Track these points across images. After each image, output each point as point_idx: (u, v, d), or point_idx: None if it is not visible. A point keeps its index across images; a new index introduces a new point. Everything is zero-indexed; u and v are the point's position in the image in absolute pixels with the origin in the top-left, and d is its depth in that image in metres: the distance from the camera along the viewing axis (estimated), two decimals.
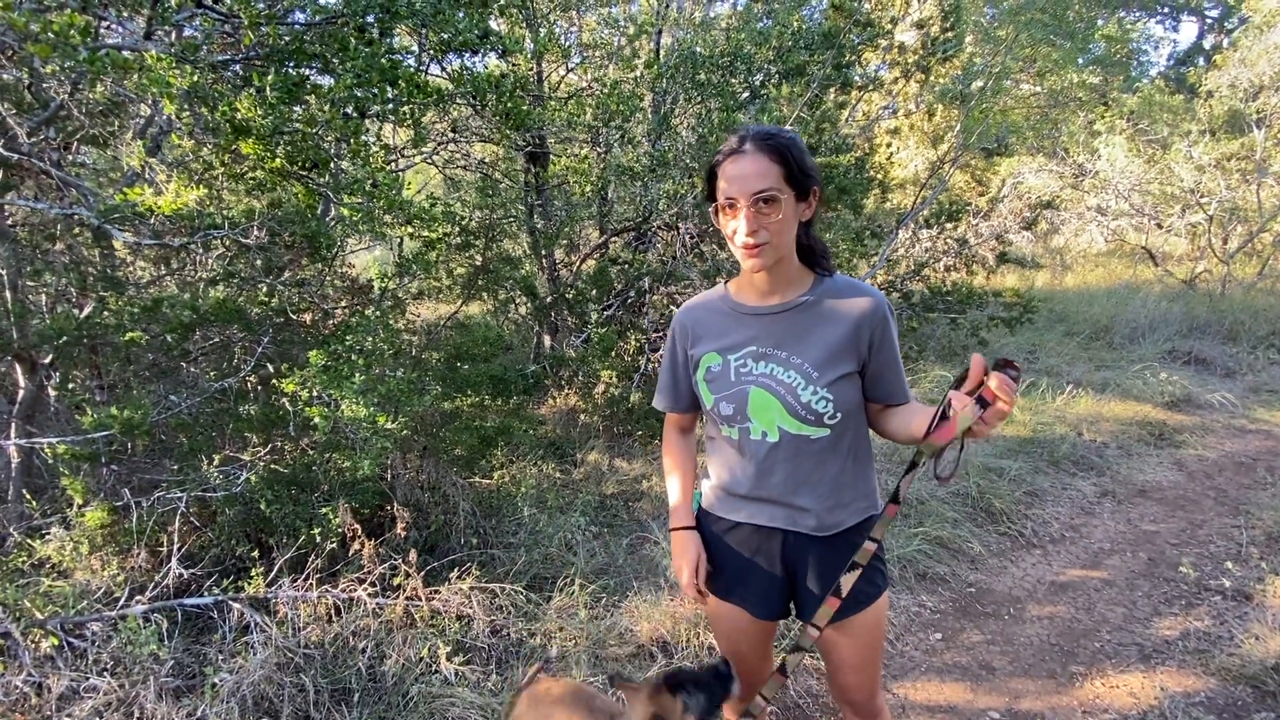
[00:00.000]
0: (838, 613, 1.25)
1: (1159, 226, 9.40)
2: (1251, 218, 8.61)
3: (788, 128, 1.20)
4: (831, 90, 4.45)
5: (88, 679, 1.89)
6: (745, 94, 4.25)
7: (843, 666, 1.38)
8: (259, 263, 2.73)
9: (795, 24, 4.14)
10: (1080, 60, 12.51)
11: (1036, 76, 11.51)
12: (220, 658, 2.04)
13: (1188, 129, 9.31)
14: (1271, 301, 7.76)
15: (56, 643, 1.95)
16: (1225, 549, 3.17)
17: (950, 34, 5.26)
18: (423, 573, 2.34)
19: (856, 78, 4.59)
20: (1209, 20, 17.24)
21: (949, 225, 5.56)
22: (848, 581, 1.22)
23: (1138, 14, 16.45)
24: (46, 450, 2.21)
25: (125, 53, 1.82)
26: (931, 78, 6.00)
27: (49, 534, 2.29)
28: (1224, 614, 2.66)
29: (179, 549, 2.22)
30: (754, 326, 1.27)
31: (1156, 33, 18.01)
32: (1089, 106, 11.60)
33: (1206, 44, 16.89)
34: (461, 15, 2.09)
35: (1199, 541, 3.27)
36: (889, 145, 6.18)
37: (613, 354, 4.05)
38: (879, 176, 5.03)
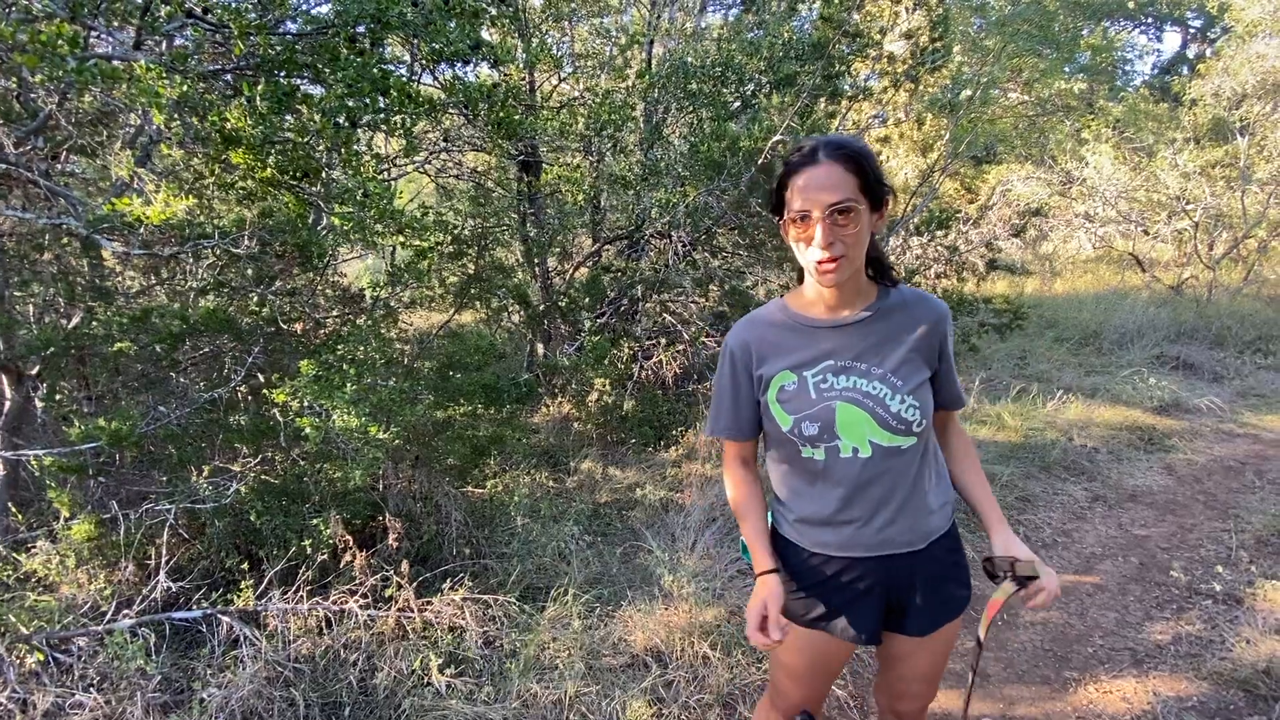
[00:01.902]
0: (936, 617, 1.28)
1: (1146, 233, 9.50)
2: (1236, 224, 8.72)
3: (852, 136, 1.19)
4: (822, 100, 4.48)
5: (73, 695, 1.86)
6: (737, 104, 4.28)
7: (911, 677, 1.35)
8: (250, 272, 2.72)
9: (785, 35, 4.17)
10: (1066, 69, 12.68)
11: (1024, 86, 11.66)
12: (209, 672, 2.02)
13: (1173, 137, 9.44)
14: (1257, 306, 7.85)
15: (42, 658, 1.92)
16: (1215, 553, 3.19)
17: (938, 44, 5.32)
18: (415, 584, 2.33)
19: (846, 87, 4.63)
20: (1192, 30, 17.52)
21: (939, 233, 5.60)
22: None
23: (1122, 24, 16.71)
24: (33, 462, 2.18)
25: (115, 62, 1.81)
26: (920, 87, 6.05)
27: (35, 547, 2.26)
28: (1215, 618, 2.67)
29: (167, 562, 2.19)
30: (828, 340, 1.21)
31: (1140, 42, 18.27)
32: (1076, 115, 11.75)
33: (1190, 53, 17.16)
34: (453, 26, 2.10)
35: (1189, 545, 3.29)
36: (879, 153, 6.24)
37: (606, 362, 4.05)
38: None
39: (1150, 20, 17.05)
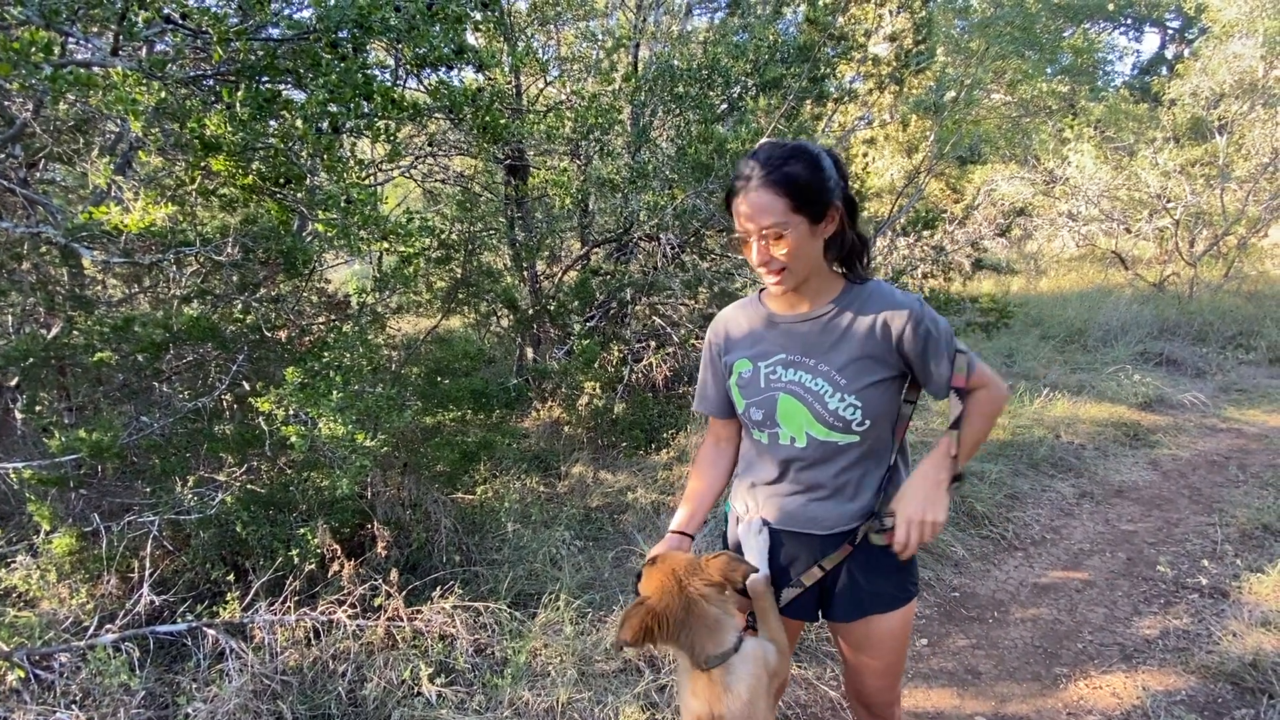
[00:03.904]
0: (862, 606, 1.33)
1: (1128, 231, 9.61)
2: (1216, 222, 8.84)
3: (808, 144, 1.20)
4: (808, 102, 4.50)
5: (55, 712, 1.82)
6: (723, 106, 4.29)
7: (865, 671, 1.42)
8: (234, 279, 2.69)
9: (771, 38, 4.19)
10: (1048, 70, 12.83)
11: (1007, 87, 11.79)
12: (194, 686, 1.99)
13: (1153, 136, 9.57)
14: (1238, 303, 7.97)
15: (23, 675, 1.88)
16: (1201, 547, 3.22)
17: (922, 46, 5.36)
18: (404, 592, 2.30)
19: (832, 90, 4.65)
20: (1170, 31, 17.78)
21: (925, 233, 5.64)
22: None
23: (1102, 25, 16.93)
24: (12, 475, 2.14)
25: (93, 69, 1.79)
26: (905, 89, 6.10)
27: (15, 562, 2.22)
28: (1202, 612, 2.70)
29: (151, 574, 2.16)
30: (784, 335, 1.30)
31: (1120, 43, 18.53)
32: (1058, 115, 11.88)
33: (1169, 54, 17.42)
34: (437, 30, 2.08)
35: (1175, 540, 3.32)
36: (865, 155, 6.28)
37: (596, 365, 4.03)
38: (856, 186, 5.11)
39: (1130, 21, 17.29)
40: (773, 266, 1.19)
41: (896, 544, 1.23)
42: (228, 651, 2.04)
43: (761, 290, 1.37)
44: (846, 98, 5.08)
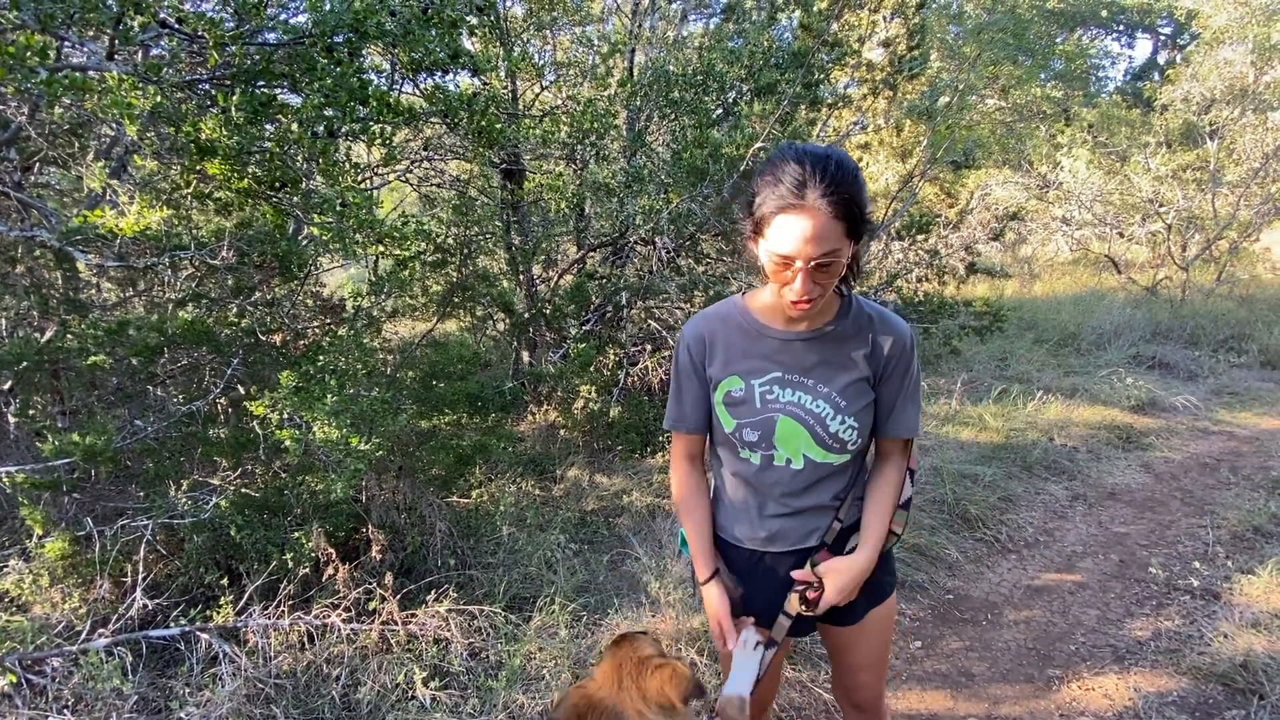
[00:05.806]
0: (863, 604, 1.33)
1: (1121, 235, 9.68)
2: (1208, 226, 8.91)
3: (848, 156, 1.06)
4: (802, 107, 4.53)
5: (47, 717, 1.82)
6: (719, 111, 4.31)
7: (855, 667, 1.42)
8: (229, 283, 2.69)
9: (766, 43, 4.22)
10: (1042, 76, 12.93)
11: (1001, 92, 11.87)
12: (187, 691, 1.98)
13: (1145, 141, 9.63)
14: (1230, 306, 8.02)
15: (14, 680, 1.87)
16: (1193, 549, 3.24)
17: (916, 52, 5.41)
18: (399, 596, 2.30)
19: (826, 95, 4.69)
20: (1162, 37, 17.93)
21: (920, 237, 5.66)
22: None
23: (1095, 31, 17.06)
24: (5, 479, 2.14)
25: (89, 73, 1.79)
26: (899, 94, 6.14)
27: (7, 566, 2.21)
28: (1193, 613, 2.71)
29: (144, 579, 2.15)
30: (780, 352, 1.21)
31: (1113, 49, 18.69)
32: (1051, 121, 11.96)
33: (1161, 60, 17.56)
34: (432, 35, 2.09)
35: (1167, 542, 3.34)
36: (859, 160, 6.31)
37: (592, 369, 4.04)
38: None
39: (1122, 27, 17.43)
40: (812, 294, 1.06)
41: (812, 611, 1.27)
42: (221, 656, 2.03)
43: (743, 294, 1.28)
44: (841, 103, 5.11)
